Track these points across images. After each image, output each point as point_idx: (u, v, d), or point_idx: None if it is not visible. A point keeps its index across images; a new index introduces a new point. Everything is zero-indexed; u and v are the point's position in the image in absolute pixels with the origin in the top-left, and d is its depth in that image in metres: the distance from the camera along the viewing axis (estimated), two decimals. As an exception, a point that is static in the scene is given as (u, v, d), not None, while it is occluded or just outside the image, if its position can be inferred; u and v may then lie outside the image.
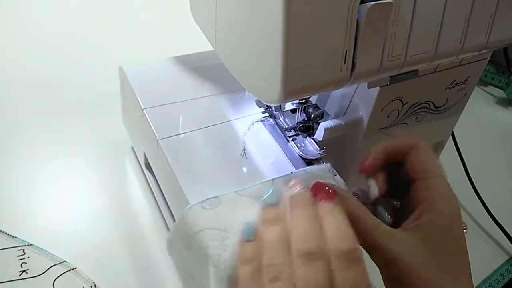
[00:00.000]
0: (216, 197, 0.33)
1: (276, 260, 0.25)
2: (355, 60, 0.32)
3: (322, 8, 0.28)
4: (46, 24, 0.72)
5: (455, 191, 0.57)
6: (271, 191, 0.29)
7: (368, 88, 0.38)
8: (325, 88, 0.32)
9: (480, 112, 0.70)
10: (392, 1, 0.30)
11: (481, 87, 0.75)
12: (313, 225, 0.26)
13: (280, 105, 0.43)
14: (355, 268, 0.25)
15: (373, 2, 0.29)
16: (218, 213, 0.32)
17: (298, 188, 0.28)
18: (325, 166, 0.37)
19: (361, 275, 0.25)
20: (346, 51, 0.31)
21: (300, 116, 0.43)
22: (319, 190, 0.28)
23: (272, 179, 0.35)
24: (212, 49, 0.39)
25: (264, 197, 0.29)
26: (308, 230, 0.26)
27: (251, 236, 0.27)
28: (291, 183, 0.28)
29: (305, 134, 0.42)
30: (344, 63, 0.31)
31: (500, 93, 0.74)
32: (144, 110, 0.41)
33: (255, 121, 0.42)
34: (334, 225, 0.26)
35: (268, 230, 0.27)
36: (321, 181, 0.29)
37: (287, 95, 0.31)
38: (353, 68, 0.32)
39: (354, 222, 0.27)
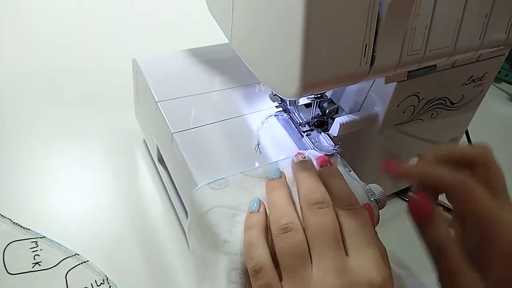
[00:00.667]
0: (224, 178, 0.35)
1: (283, 214, 0.29)
2: (374, 54, 0.31)
3: (343, 1, 0.28)
4: (60, 15, 0.72)
5: None
6: (275, 169, 0.33)
7: (386, 83, 0.37)
8: (343, 82, 0.32)
9: (493, 109, 0.69)
10: (414, -6, 0.30)
11: (494, 84, 0.74)
12: (318, 182, 0.30)
13: (295, 100, 0.42)
14: (359, 215, 0.28)
15: (395, -5, 0.29)
16: (227, 192, 0.34)
17: (302, 156, 0.32)
18: (336, 158, 0.38)
19: (365, 219, 0.28)
20: (366, 45, 0.30)
21: (315, 111, 0.42)
22: (324, 160, 0.33)
23: (277, 161, 0.37)
24: (227, 41, 0.39)
25: (270, 175, 0.33)
26: (314, 185, 0.29)
27: (257, 208, 0.31)
28: (295, 153, 0.33)
29: (319, 129, 0.42)
30: (364, 57, 0.31)
31: (513, 90, 0.73)
32: (158, 103, 0.41)
33: (269, 116, 0.42)
34: (338, 184, 0.30)
35: (272, 193, 0.31)
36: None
37: (305, 89, 0.30)
38: (372, 63, 0.31)
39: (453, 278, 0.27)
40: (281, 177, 0.33)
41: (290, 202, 0.30)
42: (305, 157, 0.33)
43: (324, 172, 0.32)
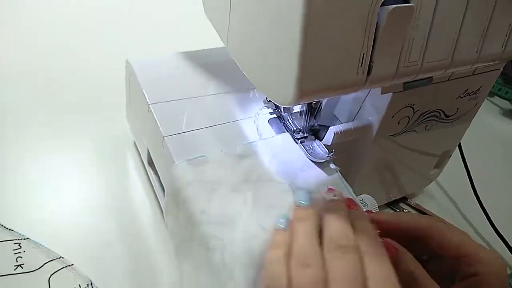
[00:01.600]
0: (203, 156, 0.35)
1: (307, 249, 0.27)
2: (371, 64, 0.31)
3: (342, 8, 0.27)
4: (49, 18, 0.71)
5: (460, 202, 0.57)
6: (303, 194, 0.31)
7: (382, 93, 0.37)
8: (339, 91, 0.32)
9: (486, 123, 0.69)
10: (413, 5, 0.29)
11: (487, 98, 0.74)
12: (347, 224, 0.28)
13: (289, 107, 0.42)
14: (385, 263, 0.26)
15: (394, 5, 0.28)
16: (207, 168, 0.34)
17: (334, 194, 0.30)
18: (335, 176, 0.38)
19: (391, 269, 0.26)
20: (363, 54, 0.30)
21: (308, 120, 0.42)
22: (351, 203, 0.31)
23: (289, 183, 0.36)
24: (222, 45, 0.38)
25: (297, 199, 0.31)
26: (343, 227, 0.28)
27: (285, 227, 0.29)
28: (327, 189, 0.31)
29: (313, 137, 0.41)
30: (361, 66, 0.30)
31: (506, 104, 0.74)
32: (150, 105, 0.40)
33: (263, 107, 0.42)
34: (365, 228, 0.28)
35: (300, 223, 0.29)
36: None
37: (300, 96, 0.30)
38: (369, 72, 0.31)
39: (412, 281, 0.28)
40: (309, 204, 0.30)
41: (315, 237, 0.28)
42: (336, 195, 0.31)
43: (352, 214, 0.30)
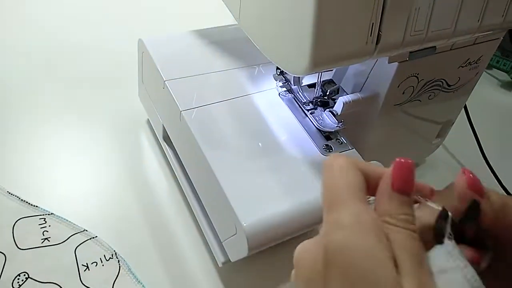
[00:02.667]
0: None
1: None
2: (380, 33, 0.32)
3: (353, -21, 0.29)
4: None
5: (471, 165, 0.58)
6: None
7: (389, 62, 0.38)
8: (350, 60, 0.33)
9: (484, 95, 0.71)
10: (420, -26, 0.31)
11: (486, 71, 0.76)
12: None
13: (299, 80, 0.43)
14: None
15: (402, -25, 0.30)
16: None
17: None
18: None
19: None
20: (372, 24, 0.32)
21: (317, 92, 0.43)
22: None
23: None
24: (231, 23, 0.40)
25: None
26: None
27: None
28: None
29: (322, 108, 0.43)
30: (370, 36, 0.32)
31: (504, 76, 0.76)
32: (165, 82, 0.41)
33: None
34: None
35: None
36: None
37: (314, 66, 0.31)
38: (378, 41, 0.33)
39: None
40: None
41: None
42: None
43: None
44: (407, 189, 0.21)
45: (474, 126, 0.58)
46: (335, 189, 0.21)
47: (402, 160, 0.22)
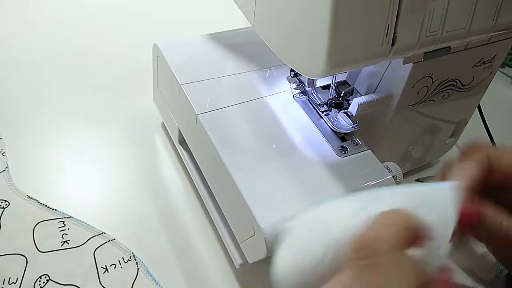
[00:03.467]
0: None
1: None
2: (396, 34, 0.33)
3: (369, -18, 0.29)
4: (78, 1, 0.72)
5: None
6: None
7: (404, 63, 0.39)
8: (366, 62, 0.33)
9: (497, 93, 0.71)
10: (435, -24, 0.31)
11: (499, 69, 0.75)
12: None
13: (313, 81, 0.44)
14: None
15: (418, -23, 0.30)
16: None
17: None
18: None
19: None
20: (388, 25, 0.32)
21: (332, 93, 0.44)
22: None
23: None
24: (245, 27, 0.40)
25: None
26: None
27: None
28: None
29: (337, 110, 0.43)
30: (386, 37, 0.32)
31: (517, 74, 0.75)
32: (181, 86, 0.42)
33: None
34: None
35: None
36: None
37: (331, 68, 0.32)
38: (393, 43, 0.33)
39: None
40: None
41: None
42: None
43: None
44: None
45: (488, 125, 0.57)
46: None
47: None
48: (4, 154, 0.49)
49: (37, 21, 0.68)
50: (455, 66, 0.44)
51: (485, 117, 0.57)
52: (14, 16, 0.68)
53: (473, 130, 0.56)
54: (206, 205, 0.45)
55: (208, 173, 0.43)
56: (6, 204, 0.45)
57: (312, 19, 0.31)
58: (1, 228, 0.43)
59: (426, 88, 0.44)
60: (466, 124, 0.54)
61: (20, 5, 0.70)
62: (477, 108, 0.55)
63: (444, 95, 0.47)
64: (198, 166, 0.45)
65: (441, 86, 0.45)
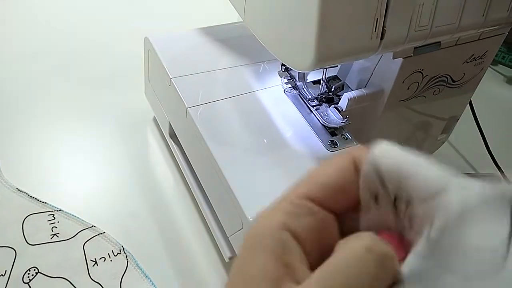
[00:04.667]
0: None
1: None
2: (384, 28, 0.33)
3: (357, -25, 0.29)
4: None
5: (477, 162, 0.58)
6: None
7: (393, 58, 0.39)
8: (355, 55, 0.34)
9: (490, 91, 0.71)
10: (424, -30, 0.31)
11: (491, 66, 0.76)
12: None
13: (304, 76, 0.44)
14: None
15: (406, -29, 0.30)
16: None
17: None
18: None
19: None
20: (377, 19, 0.32)
21: (323, 88, 0.44)
22: None
23: None
24: (236, 21, 0.40)
25: None
26: None
27: None
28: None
29: (327, 104, 0.43)
30: (375, 31, 0.32)
31: (510, 72, 0.75)
32: (172, 79, 0.42)
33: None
34: None
35: None
36: None
37: (319, 62, 0.32)
38: (382, 37, 0.33)
39: None
40: None
41: None
42: None
43: None
44: None
45: (479, 122, 0.58)
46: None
47: None
48: (-6, 147, 0.49)
49: (28, 17, 0.68)
50: (446, 61, 0.44)
51: (477, 115, 0.57)
52: (4, 12, 0.68)
53: (464, 126, 0.56)
54: (196, 199, 0.45)
55: (198, 167, 0.43)
56: (-5, 197, 0.45)
57: (301, 12, 0.31)
58: (-10, 221, 0.43)
59: (417, 83, 0.44)
60: (457, 121, 0.54)
61: (9, 1, 0.70)
62: (468, 105, 0.55)
63: (435, 91, 0.47)
64: (189, 160, 0.45)
65: (431, 81, 0.45)
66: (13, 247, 0.41)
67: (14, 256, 0.41)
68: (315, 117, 0.42)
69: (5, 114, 0.53)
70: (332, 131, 0.42)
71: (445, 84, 0.47)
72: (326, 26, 0.30)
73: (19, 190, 0.46)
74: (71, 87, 0.58)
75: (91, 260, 0.41)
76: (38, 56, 0.61)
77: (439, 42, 0.40)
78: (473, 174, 0.59)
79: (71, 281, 0.40)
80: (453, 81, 0.47)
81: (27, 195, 0.45)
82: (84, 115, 0.54)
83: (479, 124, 0.57)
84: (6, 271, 0.40)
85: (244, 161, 0.38)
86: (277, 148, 0.40)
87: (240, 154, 0.37)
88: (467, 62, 0.46)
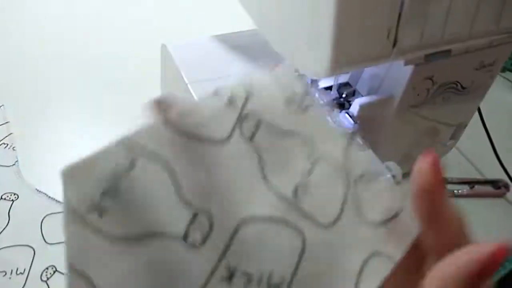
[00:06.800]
0: None
1: None
2: (397, 36, 0.34)
3: (371, -14, 0.30)
4: (91, 1, 0.74)
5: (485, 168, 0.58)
6: None
7: (405, 65, 0.40)
8: (368, 63, 0.35)
9: (498, 97, 0.72)
10: (436, -20, 0.32)
11: (500, 73, 0.76)
12: None
13: (316, 82, 0.45)
14: None
15: (419, -19, 0.31)
16: None
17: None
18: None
19: None
20: (389, 28, 0.33)
21: (334, 94, 0.45)
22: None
23: None
24: (252, 28, 0.41)
25: None
26: None
27: None
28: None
29: (339, 110, 0.44)
30: (387, 38, 0.33)
31: (518, 79, 0.76)
32: (188, 85, 0.43)
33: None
34: None
35: None
36: None
37: (333, 69, 0.33)
38: (394, 45, 0.34)
39: None
40: None
41: None
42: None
43: None
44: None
45: (488, 128, 0.58)
46: None
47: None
48: (14, 148, 0.51)
49: (55, 23, 0.69)
50: (456, 69, 0.45)
51: (485, 121, 0.58)
52: (34, 17, 0.70)
53: (473, 132, 0.57)
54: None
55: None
56: (15, 197, 0.46)
57: (315, 20, 0.32)
58: (10, 220, 0.44)
59: (427, 90, 0.45)
60: (465, 127, 0.55)
61: (38, 8, 0.72)
62: (477, 111, 0.56)
63: (444, 98, 0.47)
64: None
65: (441, 88, 0.46)
66: (32, 246, 0.43)
67: (33, 254, 0.42)
68: (327, 122, 0.43)
69: (27, 117, 0.54)
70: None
71: (454, 91, 0.47)
72: (341, 34, 0.31)
73: (38, 190, 0.47)
74: (90, 91, 0.59)
75: (107, 259, 0.43)
76: (61, 61, 0.63)
77: (450, 49, 0.41)
78: (482, 180, 0.59)
79: (88, 280, 0.41)
80: (463, 88, 0.48)
81: (45, 195, 0.47)
82: (102, 118, 0.56)
83: (487, 130, 0.58)
84: (25, 269, 0.41)
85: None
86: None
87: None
88: (477, 70, 0.47)
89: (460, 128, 0.55)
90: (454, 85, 0.47)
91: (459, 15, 0.36)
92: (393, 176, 0.42)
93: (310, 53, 0.34)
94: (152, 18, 0.73)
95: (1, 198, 0.46)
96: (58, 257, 0.42)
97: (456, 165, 0.60)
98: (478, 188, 0.58)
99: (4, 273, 0.40)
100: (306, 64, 0.35)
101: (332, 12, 0.30)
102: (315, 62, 0.33)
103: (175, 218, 0.18)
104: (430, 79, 0.44)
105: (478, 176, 0.60)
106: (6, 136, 0.52)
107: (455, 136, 0.55)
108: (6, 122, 0.53)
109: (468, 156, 0.62)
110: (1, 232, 0.43)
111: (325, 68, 0.32)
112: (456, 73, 0.45)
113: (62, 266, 0.41)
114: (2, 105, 0.55)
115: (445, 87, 0.46)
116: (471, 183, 0.58)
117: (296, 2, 0.34)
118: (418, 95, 0.45)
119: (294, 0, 0.34)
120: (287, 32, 0.36)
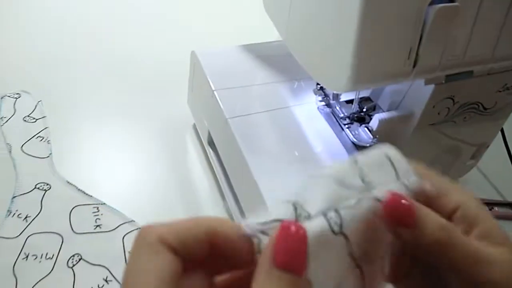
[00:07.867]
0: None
1: None
2: (418, 57, 0.35)
3: (394, 6, 0.32)
4: (123, 3, 0.78)
5: (505, 189, 0.58)
6: None
7: (425, 84, 0.40)
8: (388, 81, 0.36)
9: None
10: (458, 4, 0.33)
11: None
12: None
13: (337, 95, 0.46)
14: None
15: (441, 4, 0.32)
16: None
17: None
18: None
19: None
20: (410, 48, 0.34)
21: (355, 107, 0.46)
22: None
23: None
24: (278, 39, 0.43)
25: None
26: None
27: None
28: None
29: (359, 124, 0.45)
30: (408, 59, 0.34)
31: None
32: (214, 91, 0.45)
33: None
34: None
35: None
36: None
37: (354, 85, 0.34)
38: (415, 64, 0.35)
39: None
40: None
41: None
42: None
43: None
44: (296, 266, 0.16)
45: (510, 149, 0.58)
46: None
47: (292, 227, 0.16)
48: (49, 142, 0.54)
49: (89, 24, 0.73)
50: (478, 90, 0.45)
51: (507, 142, 0.58)
52: (70, 19, 0.74)
53: (494, 153, 0.57)
54: (229, 204, 0.48)
55: (233, 174, 0.46)
56: (48, 187, 0.49)
57: (339, 36, 0.33)
58: (42, 208, 0.47)
59: (447, 109, 0.45)
60: (487, 147, 0.55)
61: (69, 11, 0.76)
62: (500, 132, 0.56)
63: (465, 117, 0.48)
64: (224, 167, 0.48)
65: (462, 108, 0.46)
66: (60, 233, 0.46)
67: (61, 242, 0.45)
68: (346, 135, 0.45)
69: (62, 114, 0.58)
70: (362, 150, 0.44)
71: (476, 111, 0.48)
72: (363, 52, 0.32)
73: (68, 182, 0.50)
74: (122, 92, 0.62)
75: (129, 252, 0.45)
76: (94, 61, 0.66)
77: (472, 71, 0.42)
78: (501, 201, 0.59)
79: (110, 270, 0.43)
80: (485, 108, 0.48)
81: (75, 188, 0.50)
82: (131, 118, 0.58)
83: (509, 151, 0.58)
84: (53, 254, 0.44)
85: (276, 170, 0.40)
86: (308, 161, 0.42)
87: (273, 164, 0.40)
88: (500, 91, 0.47)
89: (481, 148, 0.55)
90: (476, 106, 0.47)
91: (481, 38, 0.36)
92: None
93: (332, 67, 0.35)
94: (182, 23, 0.76)
95: (36, 187, 0.49)
96: (83, 246, 0.45)
97: (475, 185, 0.59)
98: (497, 210, 0.58)
99: (35, 257, 0.43)
100: (328, 78, 0.36)
101: (355, 29, 0.32)
102: (337, 77, 0.35)
103: None
104: (451, 98, 0.44)
105: (497, 198, 0.59)
106: (42, 130, 0.55)
107: (476, 156, 0.55)
108: (43, 117, 0.57)
109: (489, 176, 0.61)
110: (34, 219, 0.46)
111: (346, 83, 0.34)
112: (478, 94, 0.46)
113: (86, 255, 0.44)
114: (40, 101, 0.58)
115: (467, 107, 0.47)
116: (490, 204, 0.58)
117: (321, 18, 0.35)
118: (438, 113, 0.45)
119: (319, 16, 0.36)
120: (310, 46, 0.38)
